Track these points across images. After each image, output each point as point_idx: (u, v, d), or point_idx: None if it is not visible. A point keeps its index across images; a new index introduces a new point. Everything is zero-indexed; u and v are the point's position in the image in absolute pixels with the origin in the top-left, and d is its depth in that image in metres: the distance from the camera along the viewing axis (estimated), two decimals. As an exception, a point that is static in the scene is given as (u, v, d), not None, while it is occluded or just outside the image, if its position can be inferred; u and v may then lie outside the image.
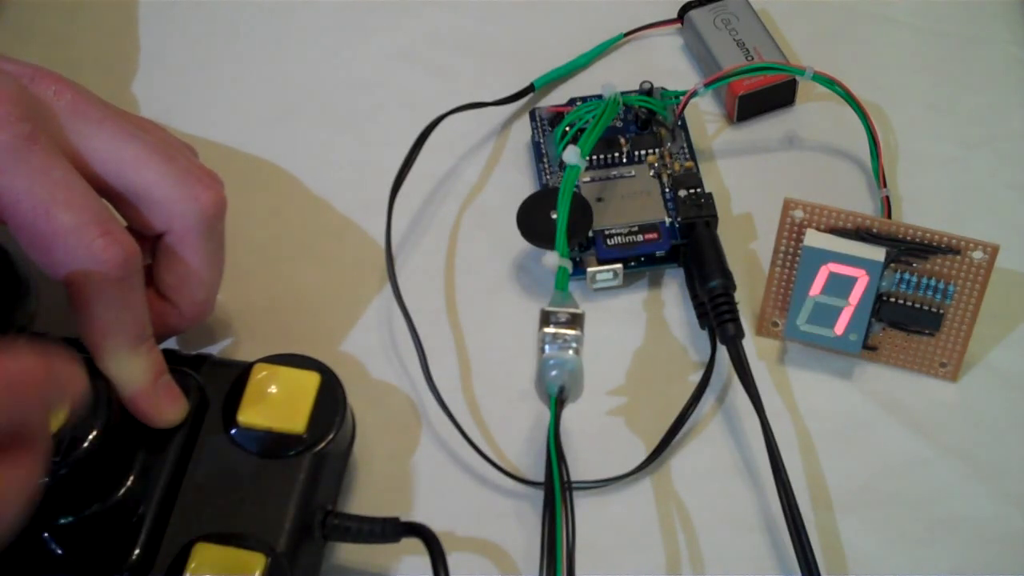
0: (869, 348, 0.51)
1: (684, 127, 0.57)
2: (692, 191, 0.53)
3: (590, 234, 0.53)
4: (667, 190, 0.54)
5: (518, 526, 0.48)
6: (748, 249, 0.54)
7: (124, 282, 0.43)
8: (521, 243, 0.53)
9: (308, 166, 0.58)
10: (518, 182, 0.57)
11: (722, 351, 0.50)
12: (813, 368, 0.51)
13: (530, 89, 0.59)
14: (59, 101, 0.45)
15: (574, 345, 0.45)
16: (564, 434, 0.47)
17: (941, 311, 0.49)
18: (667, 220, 0.53)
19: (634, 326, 0.53)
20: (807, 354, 0.52)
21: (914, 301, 0.49)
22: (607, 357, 0.51)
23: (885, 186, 0.54)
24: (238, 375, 0.46)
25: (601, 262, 0.53)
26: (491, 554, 0.47)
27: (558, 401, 0.45)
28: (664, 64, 0.61)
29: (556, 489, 0.44)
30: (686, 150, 0.56)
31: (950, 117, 0.58)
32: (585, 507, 0.47)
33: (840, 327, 0.50)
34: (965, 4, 0.62)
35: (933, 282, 0.49)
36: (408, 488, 0.49)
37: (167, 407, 0.45)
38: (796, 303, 0.50)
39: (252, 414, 0.45)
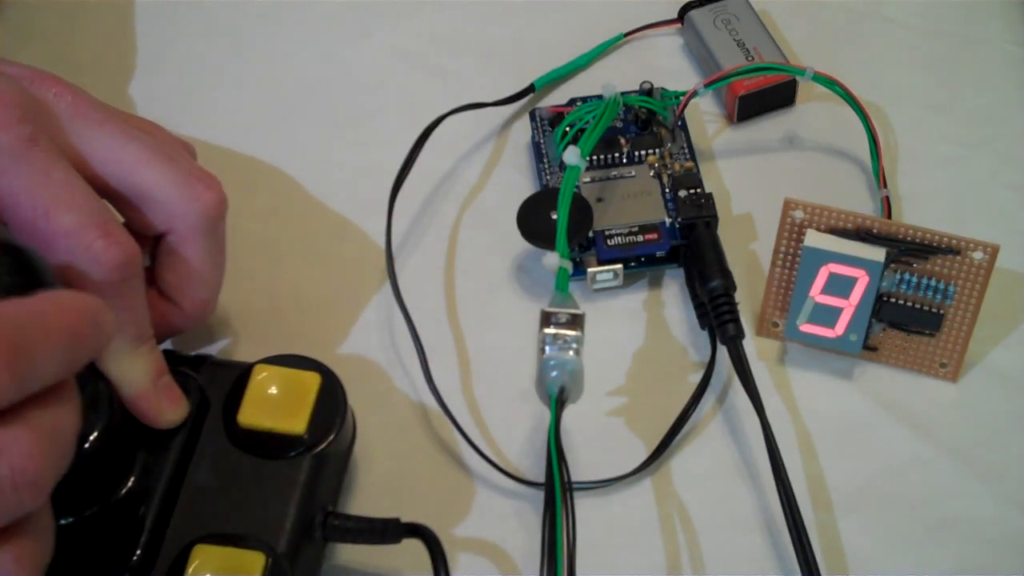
0: (869, 348, 0.51)
1: (684, 127, 0.57)
2: (692, 191, 0.53)
3: (590, 234, 0.53)
4: (667, 190, 0.54)
5: (518, 526, 0.48)
6: (748, 249, 0.54)
7: (124, 284, 0.43)
8: (521, 243, 0.53)
9: (308, 166, 0.58)
10: (518, 182, 0.57)
11: (722, 351, 0.50)
12: (813, 368, 0.51)
13: (530, 89, 0.59)
14: (59, 103, 0.45)
15: (574, 346, 0.45)
16: (564, 434, 0.47)
17: (941, 311, 0.49)
18: (667, 220, 0.53)
19: (634, 326, 0.53)
20: (807, 354, 0.52)
21: (914, 301, 0.49)
22: (607, 357, 0.51)
23: (885, 186, 0.54)
24: (238, 376, 0.46)
25: (601, 262, 0.53)
26: (491, 554, 0.47)
27: (558, 402, 0.45)
28: (664, 64, 0.61)
29: (556, 489, 0.44)
30: (686, 150, 0.56)
31: (950, 117, 0.59)
32: (585, 507, 0.47)
33: (840, 327, 0.50)
34: (965, 4, 0.62)
35: (933, 282, 0.49)
36: (408, 488, 0.49)
37: (167, 408, 0.45)
38: (796, 303, 0.50)
39: (252, 415, 0.45)
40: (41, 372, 0.36)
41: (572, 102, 0.57)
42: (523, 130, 0.59)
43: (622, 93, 0.55)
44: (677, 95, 0.57)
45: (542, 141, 0.57)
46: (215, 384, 0.46)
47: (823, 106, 0.58)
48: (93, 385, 0.43)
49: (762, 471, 0.48)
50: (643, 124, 0.56)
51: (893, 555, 0.47)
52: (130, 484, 0.43)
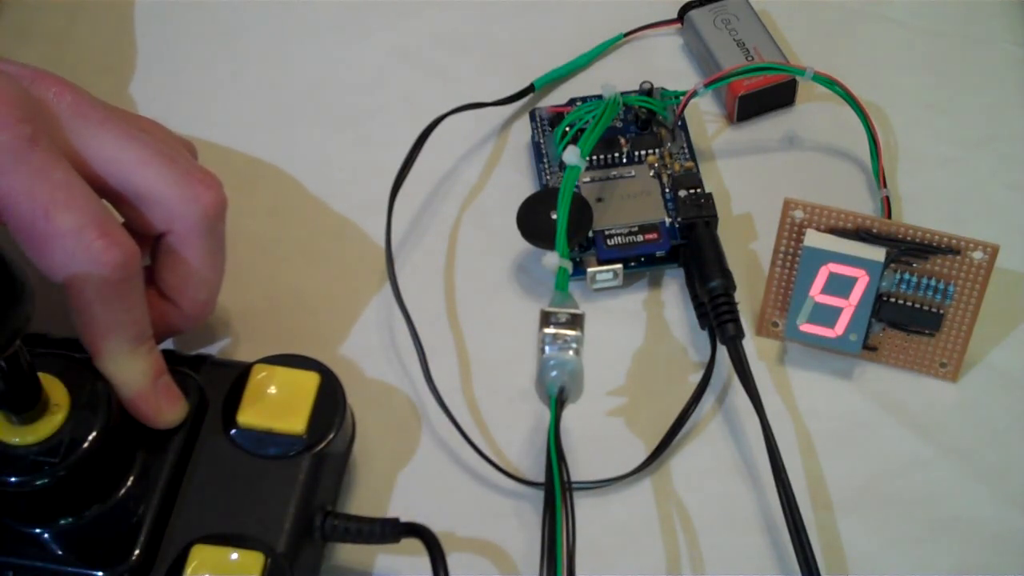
0: (869, 348, 0.51)
1: (684, 127, 0.57)
2: (692, 191, 0.53)
3: (590, 234, 0.53)
4: (667, 190, 0.54)
5: (518, 526, 0.48)
6: (748, 249, 0.54)
7: (123, 284, 0.43)
8: (521, 243, 0.53)
9: (308, 166, 0.58)
10: (518, 182, 0.57)
11: (722, 351, 0.50)
12: (813, 368, 0.51)
13: (530, 89, 0.59)
14: (60, 103, 0.45)
15: (574, 346, 0.45)
16: (564, 434, 0.47)
17: (941, 311, 0.49)
18: (667, 220, 0.53)
19: (634, 326, 0.53)
20: (807, 354, 0.52)
21: (914, 301, 0.49)
22: (607, 357, 0.51)
23: (885, 186, 0.54)
24: (238, 375, 0.46)
25: (601, 262, 0.53)
26: (491, 554, 0.47)
27: (558, 401, 0.45)
28: (664, 64, 0.61)
29: (556, 489, 0.44)
30: (686, 150, 0.56)
31: (950, 117, 0.59)
32: (585, 507, 0.47)
33: (840, 327, 0.50)
34: (965, 4, 0.62)
35: (933, 282, 0.49)
36: (408, 488, 0.49)
37: (167, 408, 0.44)
38: (796, 303, 0.50)
39: (252, 415, 0.45)
40: None
41: (572, 102, 0.57)
42: (523, 130, 0.58)
43: (622, 93, 0.55)
44: (677, 95, 0.57)
45: (542, 141, 0.57)
46: (214, 384, 0.46)
47: (823, 106, 0.58)
48: (92, 385, 0.43)
49: (762, 471, 0.48)
50: (643, 124, 0.56)
51: (893, 555, 0.47)
52: (129, 484, 0.43)
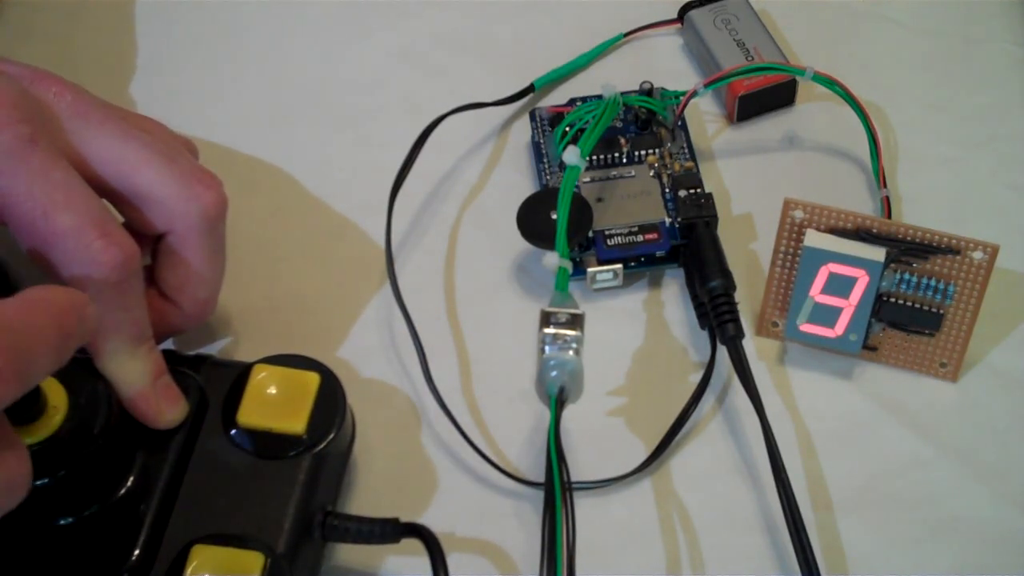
0: (869, 348, 0.51)
1: (684, 127, 0.57)
2: (692, 191, 0.53)
3: (590, 234, 0.53)
4: (667, 190, 0.54)
5: (518, 526, 0.48)
6: (748, 249, 0.54)
7: (123, 284, 0.43)
8: (521, 243, 0.53)
9: (308, 166, 0.58)
10: (518, 182, 0.57)
11: (722, 351, 0.50)
12: (813, 368, 0.51)
13: (530, 89, 0.59)
14: (60, 103, 0.45)
15: (574, 346, 0.45)
16: (564, 434, 0.47)
17: (941, 311, 0.49)
18: (667, 220, 0.53)
19: (634, 326, 0.53)
20: (807, 354, 0.52)
21: (914, 301, 0.49)
22: (607, 357, 0.51)
23: (885, 186, 0.54)
24: (238, 376, 0.46)
25: (601, 262, 0.53)
26: (491, 554, 0.47)
27: (558, 401, 0.45)
28: (664, 64, 0.61)
29: (556, 489, 0.44)
30: (686, 150, 0.56)
31: (950, 117, 0.59)
32: (585, 507, 0.47)
33: (840, 327, 0.50)
34: (965, 4, 0.62)
35: (933, 282, 0.49)
36: (408, 488, 0.49)
37: (166, 408, 0.45)
38: (796, 303, 0.50)
39: (252, 415, 0.45)
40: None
41: (572, 102, 0.57)
42: (523, 130, 0.58)
43: (622, 93, 0.55)
44: (677, 95, 0.57)
45: (542, 141, 0.57)
46: (214, 384, 0.46)
47: (823, 106, 0.58)
48: (92, 385, 0.43)
49: (762, 471, 0.48)
50: (643, 124, 0.56)
51: (893, 555, 0.47)
52: (129, 484, 0.43)
